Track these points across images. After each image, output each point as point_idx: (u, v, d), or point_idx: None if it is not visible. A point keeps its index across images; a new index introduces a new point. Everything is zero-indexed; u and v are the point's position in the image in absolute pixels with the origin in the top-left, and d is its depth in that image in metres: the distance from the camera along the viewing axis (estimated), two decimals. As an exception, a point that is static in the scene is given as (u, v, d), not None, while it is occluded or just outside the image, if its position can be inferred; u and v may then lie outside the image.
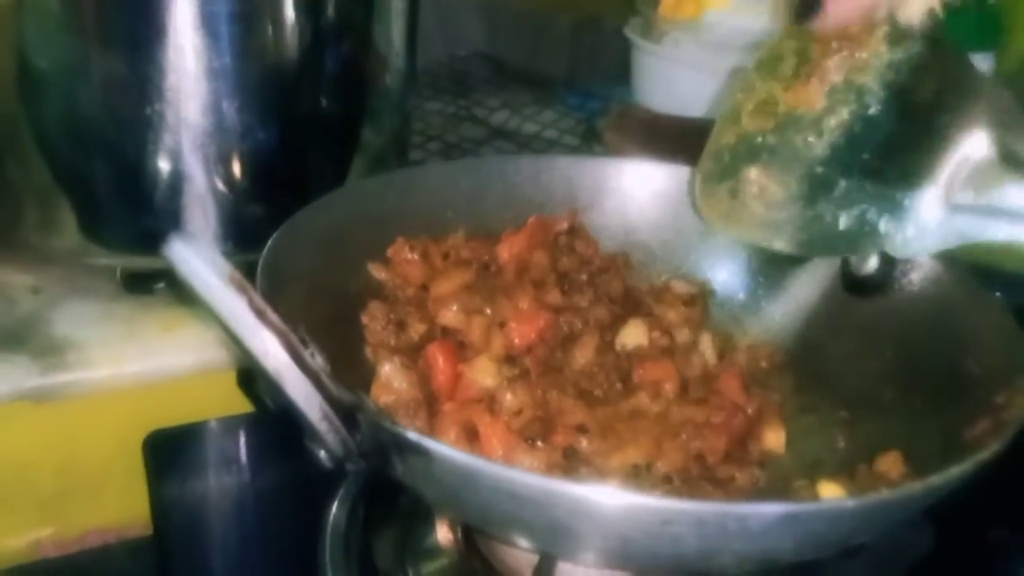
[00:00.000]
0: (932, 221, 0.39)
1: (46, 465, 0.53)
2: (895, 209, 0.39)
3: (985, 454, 0.32)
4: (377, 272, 0.47)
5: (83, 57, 0.52)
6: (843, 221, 0.41)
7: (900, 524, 0.36)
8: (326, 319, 0.42)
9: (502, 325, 0.45)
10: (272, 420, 0.49)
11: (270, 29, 0.54)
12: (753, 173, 0.43)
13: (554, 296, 0.48)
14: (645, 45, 0.78)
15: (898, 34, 0.41)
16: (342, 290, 0.45)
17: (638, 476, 0.40)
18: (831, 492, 0.37)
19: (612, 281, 0.50)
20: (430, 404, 0.42)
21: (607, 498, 0.30)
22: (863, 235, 0.40)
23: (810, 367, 0.48)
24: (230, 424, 0.54)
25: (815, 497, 0.37)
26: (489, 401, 0.41)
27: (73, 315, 0.55)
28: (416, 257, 0.48)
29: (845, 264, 0.45)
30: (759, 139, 0.44)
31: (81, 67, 0.52)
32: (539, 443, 0.40)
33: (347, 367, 0.40)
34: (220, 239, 0.56)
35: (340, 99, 0.59)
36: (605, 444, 0.41)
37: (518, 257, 0.49)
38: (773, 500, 0.33)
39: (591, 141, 0.81)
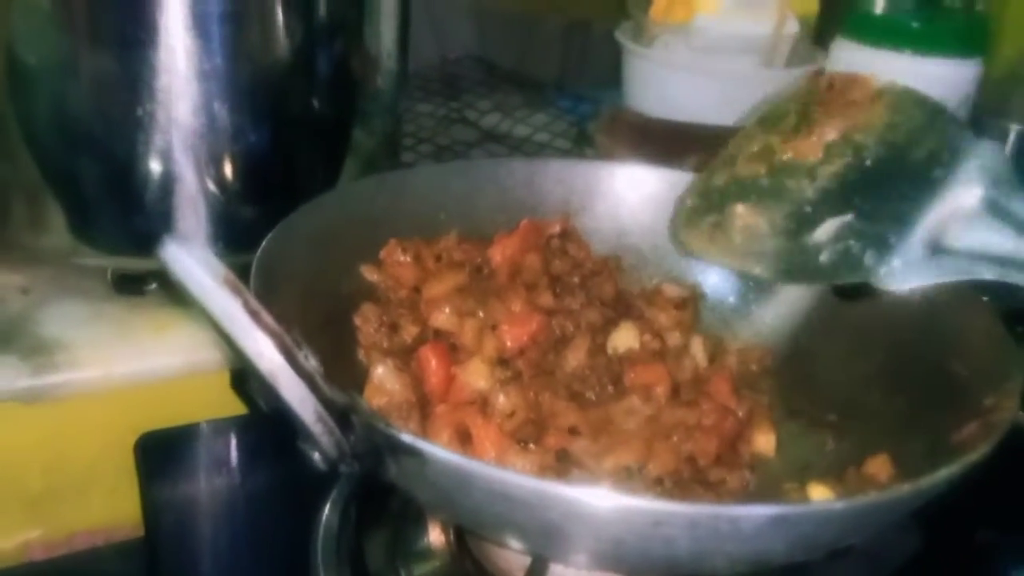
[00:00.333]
0: (918, 258, 0.40)
1: (35, 466, 0.52)
2: (881, 246, 0.40)
3: (974, 456, 0.33)
4: (369, 274, 0.47)
5: (73, 55, 0.51)
6: (826, 255, 0.41)
7: (889, 526, 0.36)
8: (319, 321, 0.42)
9: (494, 328, 0.45)
10: (264, 422, 0.49)
11: (261, 30, 0.54)
12: (740, 209, 0.44)
13: (546, 299, 0.48)
14: (636, 49, 0.79)
15: (899, 103, 0.43)
16: (335, 292, 0.45)
17: (630, 478, 0.40)
18: (821, 494, 0.37)
19: (604, 284, 0.51)
20: (423, 406, 0.42)
21: (599, 500, 0.30)
22: (845, 267, 0.41)
23: (799, 370, 0.48)
24: (222, 426, 0.53)
25: (805, 499, 0.37)
26: (482, 403, 0.42)
27: (62, 315, 0.55)
28: (408, 259, 0.48)
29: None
30: (751, 181, 0.45)
31: (71, 66, 0.52)
32: (531, 445, 0.40)
33: (340, 369, 0.40)
34: (211, 240, 0.55)
35: (331, 100, 0.59)
36: (597, 446, 0.41)
37: (511, 260, 0.49)
38: (764, 502, 0.33)
39: (583, 144, 0.82)
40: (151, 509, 0.50)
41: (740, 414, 0.45)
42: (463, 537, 0.45)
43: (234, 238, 0.56)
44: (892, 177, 0.42)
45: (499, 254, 0.49)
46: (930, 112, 0.43)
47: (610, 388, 0.45)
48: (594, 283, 0.51)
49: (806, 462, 0.43)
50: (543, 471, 0.39)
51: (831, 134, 0.43)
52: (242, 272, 0.34)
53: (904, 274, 0.40)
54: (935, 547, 0.45)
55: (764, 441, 0.44)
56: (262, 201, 0.56)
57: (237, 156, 0.55)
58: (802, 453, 0.44)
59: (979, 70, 0.66)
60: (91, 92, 0.52)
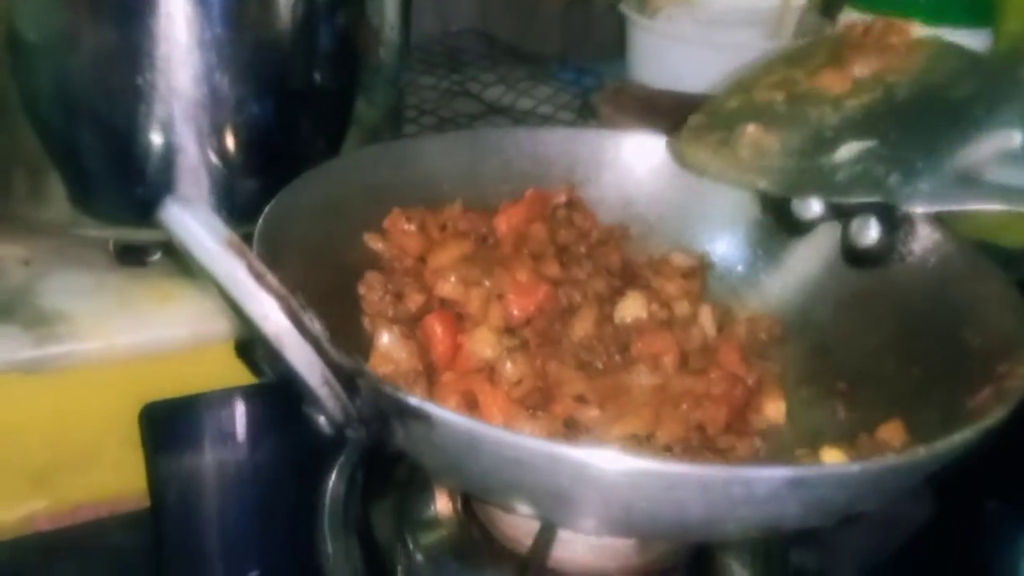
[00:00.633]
0: (948, 184, 0.38)
1: (39, 438, 0.52)
2: (907, 170, 0.39)
3: (989, 421, 0.32)
4: (374, 243, 0.47)
5: (73, 25, 0.51)
6: (842, 174, 0.40)
7: (902, 493, 0.36)
8: (323, 289, 0.42)
9: (500, 297, 0.44)
10: (269, 391, 0.48)
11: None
12: (751, 127, 0.42)
13: (552, 268, 0.47)
14: (639, 21, 0.78)
15: (940, 53, 0.42)
16: (338, 261, 0.45)
17: (638, 446, 0.39)
18: (834, 458, 0.37)
19: (610, 254, 0.50)
20: (429, 375, 0.41)
21: (611, 463, 0.29)
22: (862, 185, 0.40)
23: (809, 339, 0.47)
24: (227, 396, 0.53)
25: (819, 463, 0.37)
26: (489, 371, 0.41)
27: (64, 286, 0.55)
28: (413, 228, 0.48)
29: (845, 235, 0.44)
30: (766, 104, 0.44)
31: (71, 36, 0.51)
32: (539, 412, 0.40)
33: (344, 338, 0.40)
34: (213, 211, 0.55)
35: (333, 71, 0.59)
36: (605, 415, 0.40)
37: (516, 229, 0.49)
38: (777, 464, 0.32)
39: (587, 116, 0.81)
40: (156, 479, 0.50)
41: (749, 382, 0.44)
42: (470, 505, 0.44)
43: (236, 209, 0.55)
44: (927, 111, 0.41)
45: (504, 224, 0.49)
46: (971, 59, 0.42)
47: (617, 357, 0.44)
48: (600, 253, 0.50)
49: (817, 430, 0.43)
50: (551, 437, 0.39)
51: (863, 71, 0.42)
52: (246, 241, 0.33)
53: (930, 196, 0.39)
54: (945, 516, 0.44)
55: (774, 409, 0.44)
56: (264, 172, 0.56)
57: (239, 126, 0.54)
58: (813, 421, 0.44)
59: (988, 40, 0.65)
60: (91, 62, 0.51)
